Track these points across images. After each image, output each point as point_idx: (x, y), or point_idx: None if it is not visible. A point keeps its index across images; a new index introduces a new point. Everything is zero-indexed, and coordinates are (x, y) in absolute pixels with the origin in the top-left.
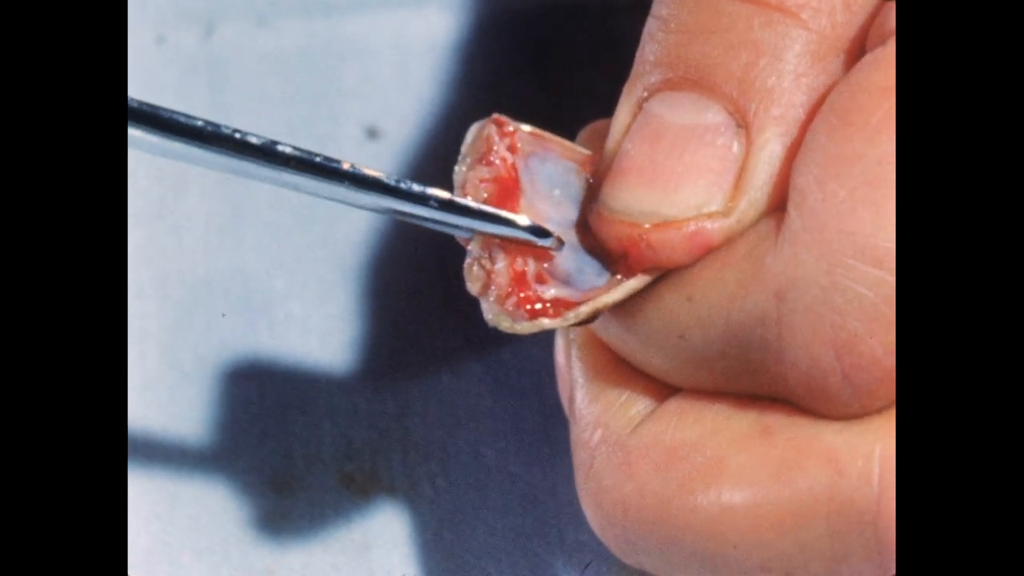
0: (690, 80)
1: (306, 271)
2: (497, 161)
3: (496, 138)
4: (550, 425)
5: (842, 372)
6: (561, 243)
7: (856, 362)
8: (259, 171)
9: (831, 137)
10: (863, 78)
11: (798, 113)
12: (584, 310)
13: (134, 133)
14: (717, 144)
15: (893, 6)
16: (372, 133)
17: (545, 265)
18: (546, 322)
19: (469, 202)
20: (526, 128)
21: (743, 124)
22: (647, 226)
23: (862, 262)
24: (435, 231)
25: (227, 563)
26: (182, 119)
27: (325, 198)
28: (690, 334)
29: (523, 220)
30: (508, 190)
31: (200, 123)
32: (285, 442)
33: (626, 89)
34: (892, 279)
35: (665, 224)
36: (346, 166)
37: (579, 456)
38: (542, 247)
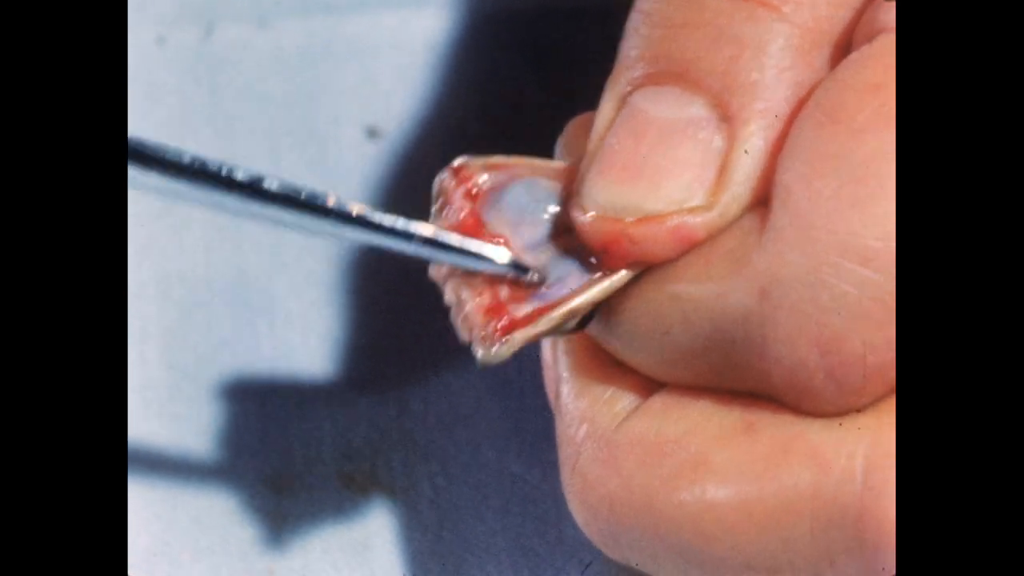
0: (673, 74)
1: (306, 271)
2: (455, 211)
3: (452, 187)
4: (550, 425)
5: (826, 370)
6: (542, 276)
7: (840, 360)
8: (244, 208)
9: (817, 135)
10: (849, 75)
11: (781, 107)
12: (556, 313)
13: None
14: (699, 138)
15: (880, 2)
16: (372, 133)
17: (527, 279)
18: (519, 335)
19: (452, 239)
20: (491, 159)
21: (726, 118)
22: (629, 220)
23: (847, 260)
24: None
25: (227, 563)
26: (169, 154)
27: (310, 234)
28: (675, 330)
29: (503, 256)
30: (470, 235)
31: (187, 158)
32: (285, 442)
33: (609, 83)
34: (877, 277)
35: (647, 218)
36: (331, 201)
37: (565, 451)
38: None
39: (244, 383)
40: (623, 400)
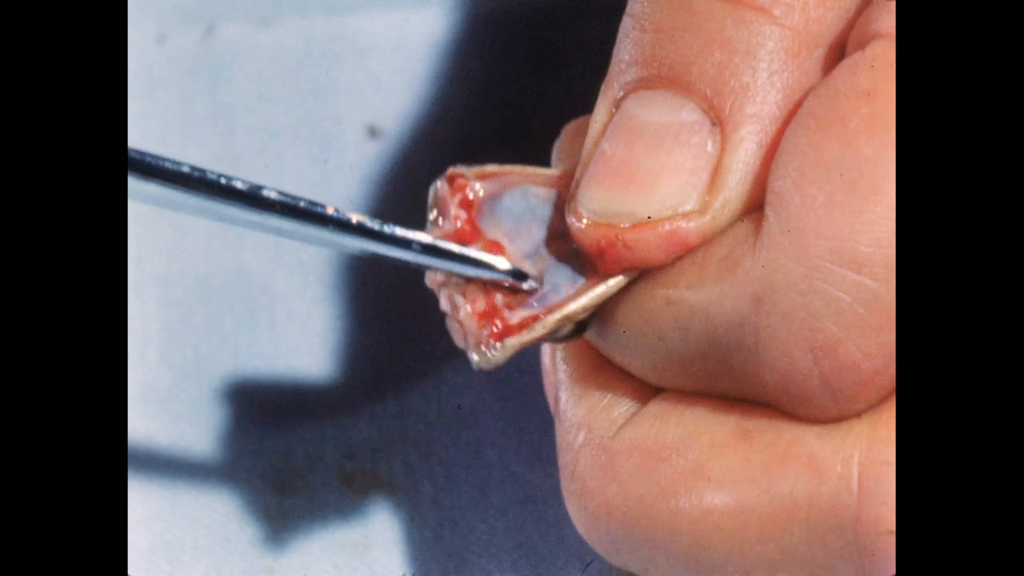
0: (665, 78)
1: (306, 271)
2: (450, 219)
3: (448, 196)
4: (550, 425)
5: (820, 376)
6: (540, 282)
7: (834, 366)
8: (244, 217)
9: (809, 141)
10: (842, 81)
11: (773, 111)
12: (551, 319)
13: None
14: (692, 143)
15: (875, 8)
16: (372, 132)
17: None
18: (512, 341)
19: (451, 246)
20: (484, 169)
21: (717, 122)
22: (623, 226)
23: (840, 266)
24: None
25: (227, 563)
26: (168, 165)
27: (309, 243)
28: (669, 336)
29: (502, 263)
30: (467, 243)
31: (186, 168)
32: (285, 442)
33: (603, 88)
34: (870, 283)
35: (641, 224)
36: (330, 210)
37: (564, 457)
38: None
39: (244, 383)
40: (621, 406)
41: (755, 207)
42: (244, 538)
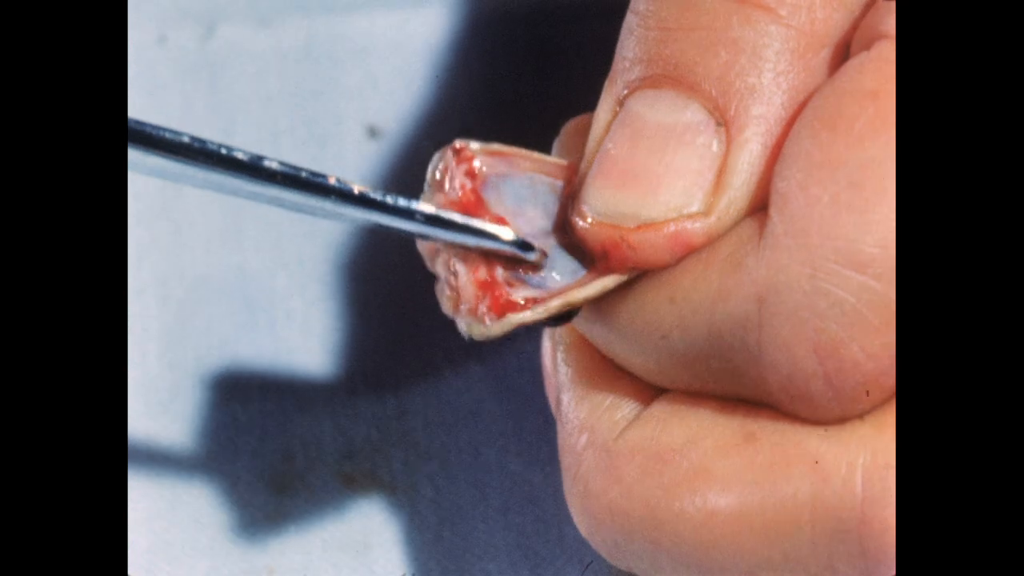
0: (669, 78)
1: (306, 271)
2: (455, 187)
3: (452, 165)
4: (550, 425)
5: (824, 377)
6: (544, 256)
7: (838, 367)
8: (245, 188)
9: (814, 141)
10: (847, 82)
11: (779, 111)
12: (554, 303)
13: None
14: (697, 144)
15: (880, 9)
16: (372, 132)
17: (520, 270)
18: (514, 317)
19: (454, 216)
20: (491, 146)
21: (723, 122)
22: (628, 227)
23: (844, 267)
24: None
25: (227, 563)
26: (168, 135)
27: (311, 214)
28: (672, 335)
29: (507, 233)
30: (471, 214)
31: (186, 138)
32: (285, 442)
33: (606, 86)
34: (875, 284)
35: (646, 225)
36: (332, 180)
37: (566, 460)
38: (525, 260)
39: (244, 382)
40: (623, 408)
41: (759, 207)
42: (244, 538)
